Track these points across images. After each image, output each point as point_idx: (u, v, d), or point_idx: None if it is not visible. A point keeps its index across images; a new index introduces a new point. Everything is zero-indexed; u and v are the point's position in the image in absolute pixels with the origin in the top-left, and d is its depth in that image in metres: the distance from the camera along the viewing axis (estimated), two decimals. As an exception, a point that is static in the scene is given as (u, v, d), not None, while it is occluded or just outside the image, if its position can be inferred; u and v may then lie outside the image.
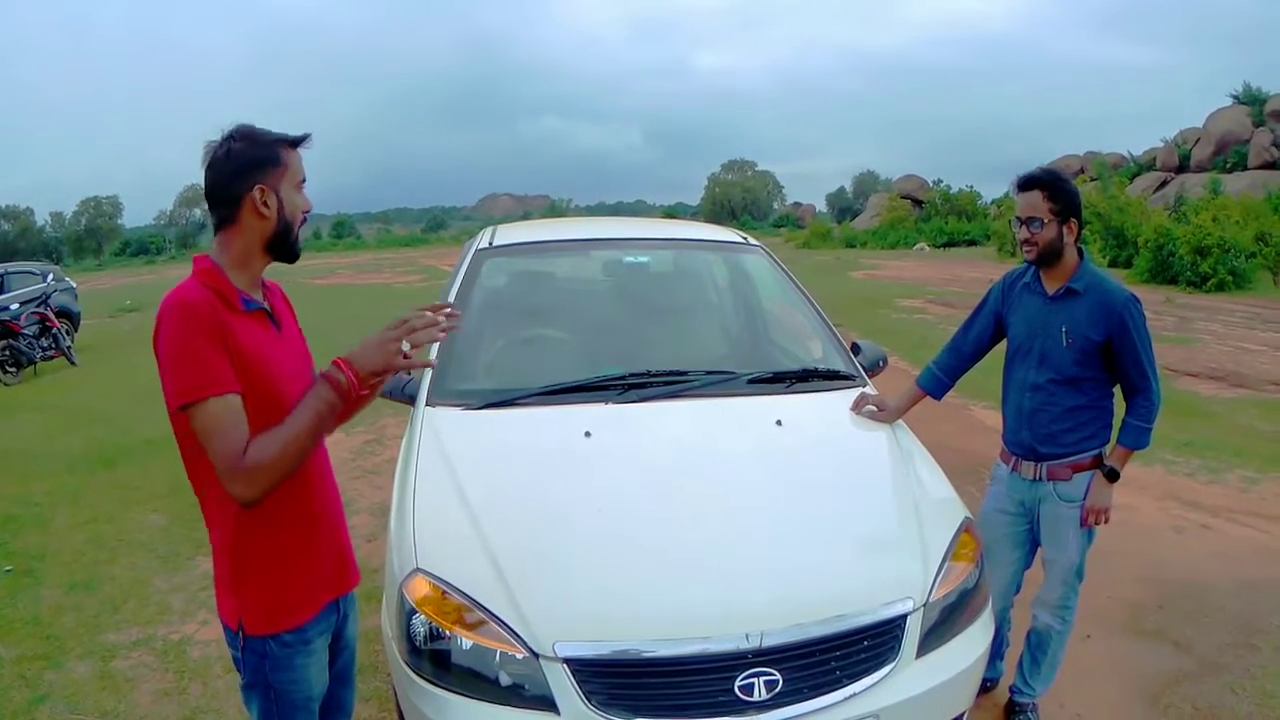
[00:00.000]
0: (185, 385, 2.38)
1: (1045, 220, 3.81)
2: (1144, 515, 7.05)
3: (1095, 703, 4.51)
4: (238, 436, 2.39)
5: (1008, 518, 4.21)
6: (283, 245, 2.63)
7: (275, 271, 2.78)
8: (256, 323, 2.60)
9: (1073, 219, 3.86)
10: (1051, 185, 3.84)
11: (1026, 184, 3.87)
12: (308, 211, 2.68)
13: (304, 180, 2.66)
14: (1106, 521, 4.02)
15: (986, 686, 4.32)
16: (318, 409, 2.48)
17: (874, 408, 4.28)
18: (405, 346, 2.56)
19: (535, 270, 5.74)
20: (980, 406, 10.24)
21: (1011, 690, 4.36)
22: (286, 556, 2.66)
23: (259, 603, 2.65)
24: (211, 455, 2.39)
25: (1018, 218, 3.90)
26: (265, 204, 2.54)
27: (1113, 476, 3.96)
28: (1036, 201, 3.82)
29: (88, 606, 5.95)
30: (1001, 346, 4.32)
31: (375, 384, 2.73)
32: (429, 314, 2.62)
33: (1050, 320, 3.94)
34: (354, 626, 3.09)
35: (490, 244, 5.42)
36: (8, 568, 6.69)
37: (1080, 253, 3.95)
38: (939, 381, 4.42)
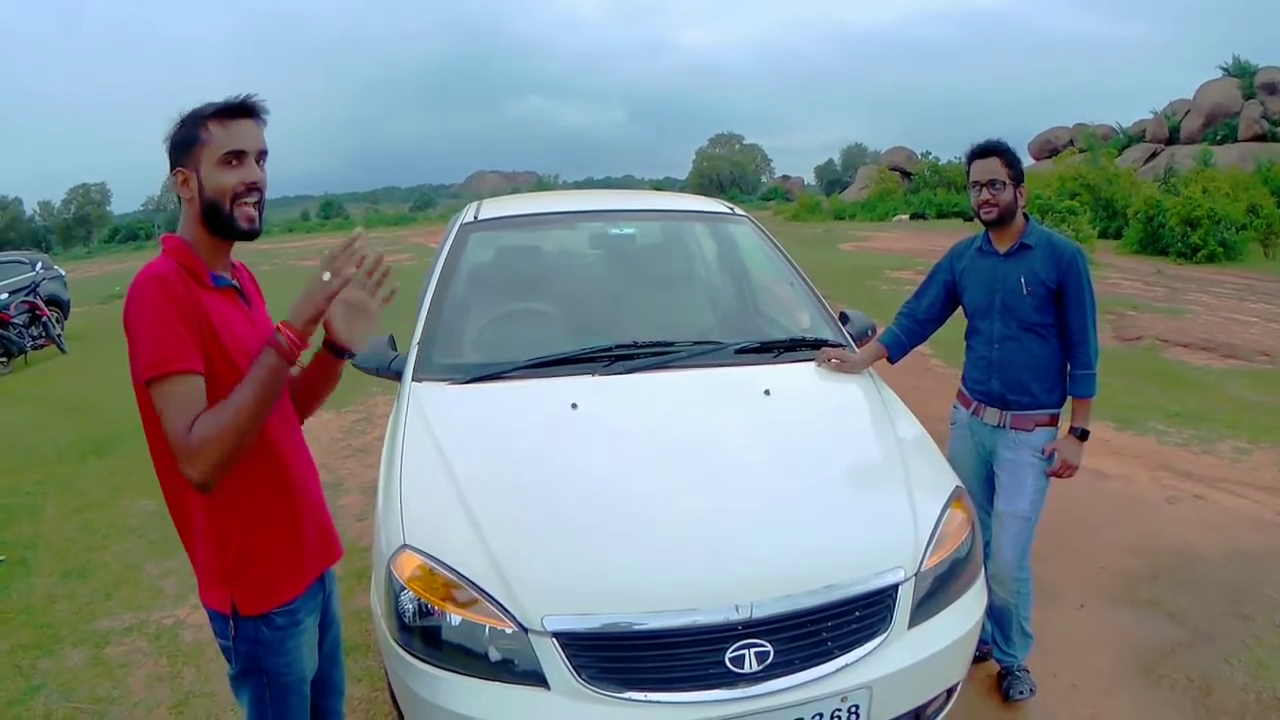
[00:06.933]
0: (154, 358, 2.32)
1: (1004, 182, 4.05)
2: (1137, 485, 7.04)
3: (1090, 673, 4.51)
4: (191, 415, 2.33)
5: (971, 459, 4.37)
6: (216, 223, 2.53)
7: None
8: (226, 299, 2.59)
9: (1022, 183, 4.14)
10: (1007, 152, 4.10)
11: (985, 151, 4.12)
12: (249, 183, 2.52)
13: (240, 152, 2.50)
14: (1070, 475, 4.18)
15: (977, 656, 4.30)
16: (259, 377, 2.39)
17: (837, 360, 4.40)
18: (325, 276, 2.46)
19: (520, 244, 5.72)
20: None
21: (993, 656, 4.41)
22: (271, 531, 2.65)
23: (250, 581, 2.62)
24: (167, 433, 2.34)
25: (976, 182, 4.11)
26: (186, 186, 2.50)
27: (1084, 436, 4.14)
28: (996, 166, 4.06)
29: (80, 594, 5.93)
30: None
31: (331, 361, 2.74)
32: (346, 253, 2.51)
33: (1009, 274, 4.14)
34: (336, 602, 3.06)
35: (475, 218, 5.41)
36: (1, 558, 6.68)
37: (1025, 216, 4.19)
38: (898, 342, 4.57)
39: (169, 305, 2.36)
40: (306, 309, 2.44)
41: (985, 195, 4.06)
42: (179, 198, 2.55)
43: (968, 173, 4.18)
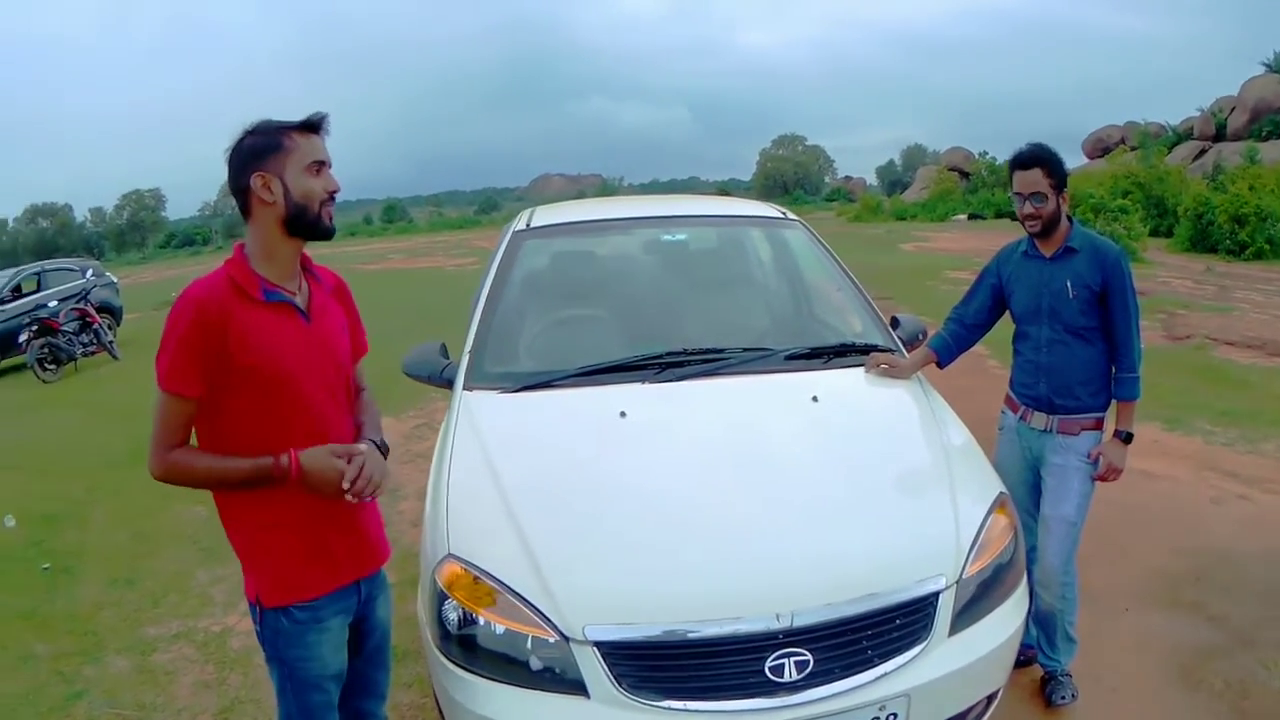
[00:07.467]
0: (161, 371, 2.60)
1: (1047, 195, 3.99)
2: (1182, 485, 6.98)
3: (1130, 677, 4.49)
4: (171, 435, 2.64)
5: (1018, 464, 4.34)
6: (302, 226, 2.70)
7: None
8: (274, 313, 2.70)
9: (1064, 189, 4.07)
10: (1050, 161, 4.01)
11: (1028, 162, 4.03)
12: (333, 191, 2.74)
13: (322, 162, 2.71)
14: (1115, 479, 4.14)
15: (1020, 660, 4.27)
16: (246, 475, 2.64)
17: (887, 365, 4.36)
18: (347, 492, 2.69)
19: (572, 251, 5.71)
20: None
21: (1037, 661, 4.40)
22: (284, 533, 2.76)
23: (270, 575, 2.78)
24: (152, 433, 2.65)
25: (1019, 193, 4.06)
26: (268, 189, 2.64)
27: (1128, 439, 4.11)
28: (1038, 178, 4.00)
29: (127, 601, 6.00)
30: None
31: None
32: (375, 478, 2.75)
33: (1054, 277, 4.11)
34: (385, 608, 3.14)
35: (528, 225, 5.42)
36: (46, 565, 6.76)
37: (1069, 218, 4.13)
38: (948, 347, 4.52)
39: (193, 331, 2.57)
40: (318, 484, 2.69)
41: (1029, 209, 4.02)
42: (245, 202, 2.69)
43: (1010, 180, 4.13)
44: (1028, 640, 4.23)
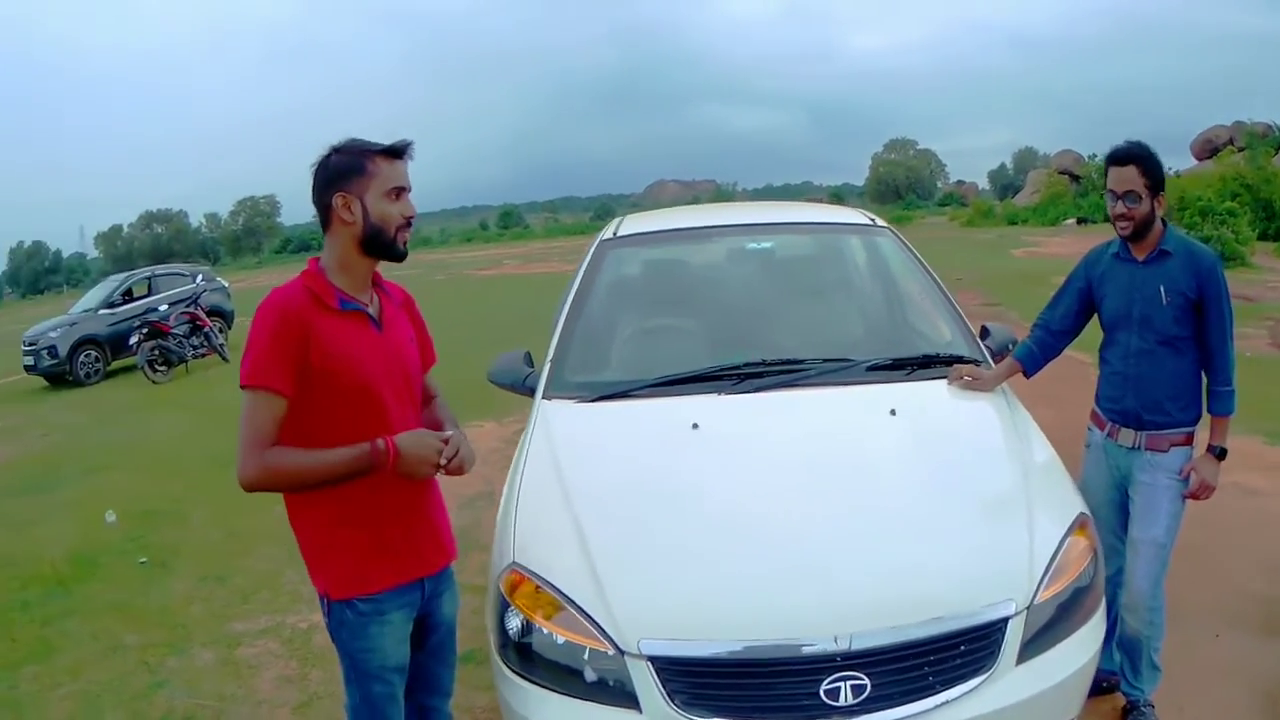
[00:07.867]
0: (247, 369, 2.67)
1: (1141, 195, 3.79)
2: (1277, 502, 6.70)
3: (1214, 706, 4.32)
4: (263, 432, 2.66)
5: (1105, 483, 4.18)
6: (376, 247, 2.79)
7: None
8: (350, 322, 2.80)
9: (1161, 192, 3.87)
10: (1148, 160, 3.81)
11: (1123, 158, 3.83)
12: (410, 217, 2.83)
13: (402, 187, 2.80)
14: (1208, 497, 3.98)
15: (1103, 686, 4.17)
16: (338, 461, 2.70)
17: (970, 378, 4.22)
18: (442, 460, 2.82)
19: (656, 260, 5.70)
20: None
21: (1120, 689, 4.24)
22: (353, 529, 2.86)
23: (337, 570, 2.88)
24: (240, 434, 2.68)
25: (1112, 191, 3.88)
26: (348, 209, 2.73)
27: (1222, 455, 3.94)
28: (1133, 176, 3.80)
29: (218, 597, 6.16)
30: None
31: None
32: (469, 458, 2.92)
33: (1147, 283, 3.93)
34: (450, 606, 3.21)
35: (615, 234, 5.45)
36: (142, 559, 6.99)
37: (1163, 221, 3.95)
38: (1033, 357, 4.37)
39: (276, 331, 2.66)
40: (413, 467, 2.80)
41: (1120, 209, 3.84)
42: (325, 217, 2.80)
43: (1105, 176, 3.97)
44: (1111, 667, 4.14)
